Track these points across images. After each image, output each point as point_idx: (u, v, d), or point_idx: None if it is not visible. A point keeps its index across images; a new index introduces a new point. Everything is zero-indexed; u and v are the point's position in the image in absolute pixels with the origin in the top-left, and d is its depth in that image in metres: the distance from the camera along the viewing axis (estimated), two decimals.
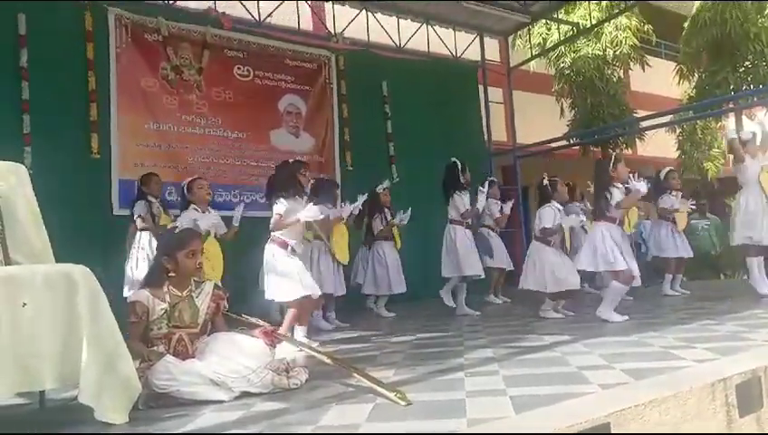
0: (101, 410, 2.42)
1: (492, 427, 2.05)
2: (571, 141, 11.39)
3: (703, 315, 4.73)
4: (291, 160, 4.90)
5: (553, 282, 5.39)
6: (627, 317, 4.82)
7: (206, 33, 7.75)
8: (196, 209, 5.33)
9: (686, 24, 11.72)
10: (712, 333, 3.79)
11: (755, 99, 10.37)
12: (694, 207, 7.15)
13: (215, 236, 5.41)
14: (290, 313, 4.44)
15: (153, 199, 5.91)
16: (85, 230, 6.18)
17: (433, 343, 4.33)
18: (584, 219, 6.41)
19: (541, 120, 12.04)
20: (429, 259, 6.87)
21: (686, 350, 3.23)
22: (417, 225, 7.17)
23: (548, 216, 5.52)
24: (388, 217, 6.62)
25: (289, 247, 4.54)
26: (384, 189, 6.68)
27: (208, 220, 5.26)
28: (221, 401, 2.69)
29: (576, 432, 1.99)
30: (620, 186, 5.11)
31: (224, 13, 7.98)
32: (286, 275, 4.47)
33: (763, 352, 3.07)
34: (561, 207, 5.68)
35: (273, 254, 4.54)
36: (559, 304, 5.55)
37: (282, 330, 4.40)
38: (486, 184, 6.80)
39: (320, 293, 4.68)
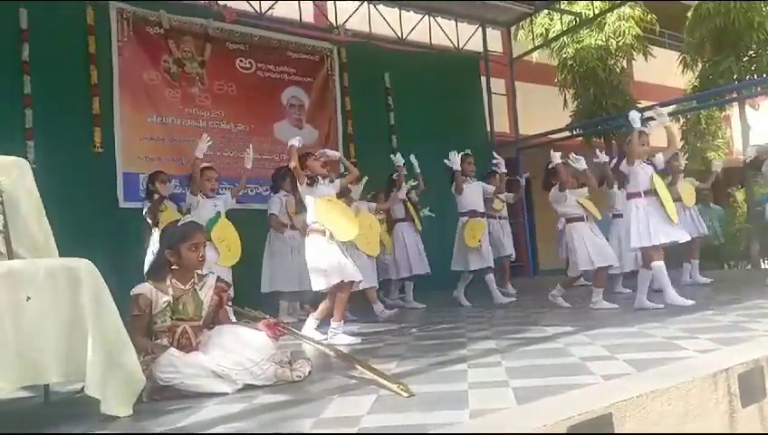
0: (106, 403, 2.44)
1: (494, 418, 2.06)
2: (574, 132, 11.36)
3: (705, 305, 4.73)
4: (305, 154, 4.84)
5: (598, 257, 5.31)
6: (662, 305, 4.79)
7: (208, 26, 7.75)
8: (201, 196, 5.36)
9: (689, 14, 11.66)
10: (714, 324, 3.79)
11: (759, 88, 10.34)
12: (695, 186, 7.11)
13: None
14: (337, 299, 4.38)
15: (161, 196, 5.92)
16: (90, 224, 6.22)
17: (436, 335, 4.33)
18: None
19: (543, 112, 12.00)
20: (430, 251, 6.87)
21: (689, 340, 3.23)
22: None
23: (560, 198, 5.52)
24: (402, 195, 6.61)
25: (327, 234, 4.46)
26: (398, 175, 6.66)
27: (213, 207, 5.31)
28: (224, 394, 2.70)
29: (578, 423, 2.00)
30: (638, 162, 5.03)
31: (225, 6, 7.98)
32: (327, 262, 4.40)
33: (765, 342, 3.07)
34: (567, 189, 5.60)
35: (312, 243, 4.50)
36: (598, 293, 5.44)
37: (334, 320, 4.40)
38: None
39: (360, 278, 4.58)
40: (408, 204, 6.74)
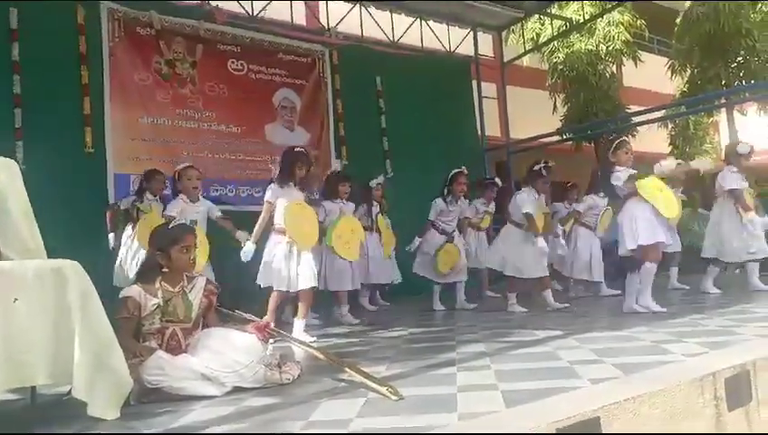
0: (94, 406, 2.42)
1: (482, 420, 2.07)
2: (564, 136, 11.42)
3: (693, 310, 4.76)
4: (295, 149, 4.85)
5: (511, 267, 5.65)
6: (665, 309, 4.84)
7: (200, 27, 7.73)
8: (183, 200, 5.26)
9: (678, 20, 11.76)
10: (702, 328, 3.82)
11: (747, 94, 10.44)
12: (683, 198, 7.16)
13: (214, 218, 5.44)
14: (271, 301, 4.55)
15: (151, 197, 5.88)
16: (81, 225, 6.17)
17: (426, 338, 4.34)
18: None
19: (534, 115, 12.07)
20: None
21: (676, 344, 3.26)
22: (411, 219, 7.17)
23: (527, 202, 5.63)
24: (374, 212, 6.63)
25: (288, 239, 4.56)
26: (378, 184, 6.69)
27: (192, 212, 5.22)
28: (213, 396, 2.70)
29: (566, 426, 2.01)
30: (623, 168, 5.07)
31: (217, 7, 7.96)
32: (277, 268, 4.54)
33: (751, 346, 3.10)
34: (536, 196, 5.73)
35: (273, 243, 4.64)
36: (548, 295, 5.62)
37: (297, 320, 4.52)
38: None
39: (303, 287, 4.61)
40: (380, 216, 6.72)
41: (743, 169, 6.12)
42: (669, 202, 4.93)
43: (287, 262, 4.54)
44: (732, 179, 6.05)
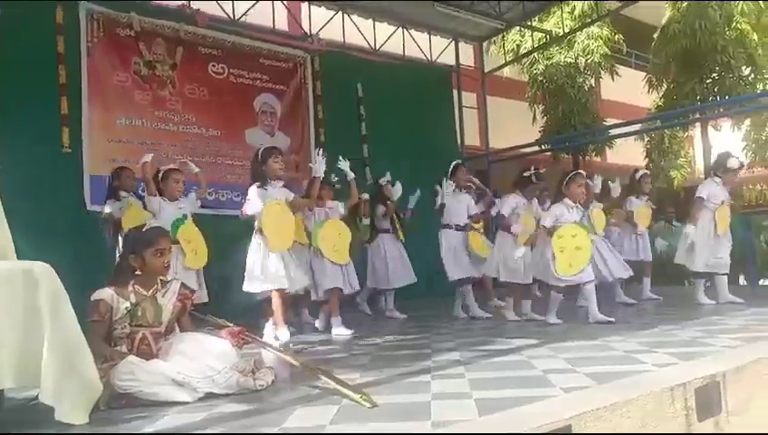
0: (62, 411, 2.38)
1: (455, 428, 2.07)
2: (543, 147, 11.52)
3: (666, 321, 4.81)
4: (264, 147, 4.84)
5: (505, 271, 5.56)
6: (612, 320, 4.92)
7: (180, 29, 7.69)
8: (163, 200, 5.19)
9: (655, 35, 11.95)
10: (674, 338, 3.86)
11: (721, 109, 10.63)
12: (653, 211, 7.25)
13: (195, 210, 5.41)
14: (273, 305, 4.51)
15: (125, 194, 5.80)
16: (56, 227, 6.09)
17: (401, 346, 4.34)
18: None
19: (513, 126, 12.17)
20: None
21: (649, 354, 3.29)
22: None
23: (509, 204, 5.64)
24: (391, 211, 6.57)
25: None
26: (387, 181, 6.63)
27: (175, 209, 5.18)
28: (185, 403, 2.66)
29: (538, 434, 2.02)
30: (569, 203, 5.21)
31: (198, 10, 7.92)
32: (262, 269, 4.52)
33: (722, 357, 3.14)
34: (525, 201, 5.72)
35: (254, 245, 4.63)
36: (526, 305, 5.60)
37: (268, 325, 4.49)
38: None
39: (296, 288, 4.68)
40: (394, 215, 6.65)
41: (728, 183, 6.13)
42: (575, 259, 5.03)
43: (283, 261, 4.53)
44: (705, 188, 6.10)
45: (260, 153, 4.79)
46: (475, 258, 6.36)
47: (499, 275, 5.72)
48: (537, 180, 5.70)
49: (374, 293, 6.91)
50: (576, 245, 5.05)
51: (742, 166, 6.20)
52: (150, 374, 2.68)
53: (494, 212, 5.97)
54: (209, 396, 2.74)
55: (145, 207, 5.50)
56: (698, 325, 4.42)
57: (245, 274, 4.67)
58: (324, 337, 5.10)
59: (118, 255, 5.49)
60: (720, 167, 6.21)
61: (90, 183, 6.78)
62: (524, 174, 5.75)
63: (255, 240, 4.68)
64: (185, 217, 5.17)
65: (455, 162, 6.29)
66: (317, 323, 5.60)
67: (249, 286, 4.64)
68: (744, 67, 11.13)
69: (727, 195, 6.10)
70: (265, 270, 4.55)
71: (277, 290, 4.56)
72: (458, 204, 6.16)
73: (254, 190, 4.67)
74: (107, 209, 5.72)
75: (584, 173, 5.53)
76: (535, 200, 5.84)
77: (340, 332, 5.08)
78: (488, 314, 5.93)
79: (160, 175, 5.30)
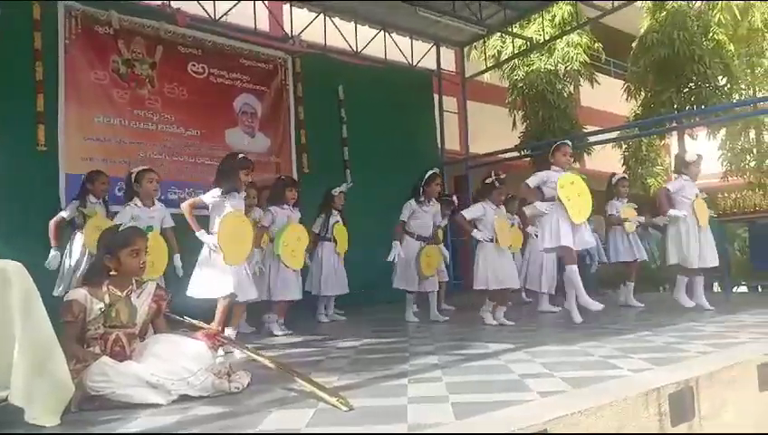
0: (32, 413, 2.34)
1: (431, 432, 2.07)
2: (522, 153, 11.59)
3: (642, 327, 4.87)
4: (239, 156, 4.69)
5: (494, 280, 5.54)
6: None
7: (160, 28, 7.62)
8: (136, 205, 5.09)
9: (634, 44, 12.10)
10: (649, 344, 3.90)
11: (697, 118, 10.78)
12: (636, 211, 7.32)
13: (160, 232, 5.21)
14: (218, 309, 4.33)
15: (95, 200, 5.70)
16: (30, 225, 5.98)
17: (379, 349, 4.33)
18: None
19: (493, 131, 12.23)
20: (383, 264, 6.84)
21: (624, 359, 3.32)
22: (372, 229, 7.18)
23: (474, 208, 5.69)
24: (332, 220, 6.53)
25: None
26: (339, 192, 6.63)
27: (146, 218, 5.03)
28: (158, 405, 2.63)
29: None
30: (557, 169, 5.35)
31: (178, 9, 7.86)
32: (210, 273, 4.36)
33: (696, 363, 3.17)
34: (494, 207, 5.77)
35: (207, 251, 4.43)
36: (500, 311, 5.61)
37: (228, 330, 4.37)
38: None
39: (250, 298, 4.56)
40: (338, 225, 6.61)
41: (694, 176, 6.21)
42: (582, 206, 5.19)
43: (226, 270, 4.33)
44: (671, 183, 6.20)
45: (236, 161, 4.61)
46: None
47: (488, 285, 5.60)
48: (500, 184, 5.76)
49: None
50: (577, 191, 5.20)
51: (700, 156, 6.29)
52: (124, 376, 2.64)
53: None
54: (184, 398, 2.70)
55: (108, 215, 5.43)
56: (674, 331, 4.47)
57: (192, 277, 4.48)
58: (300, 339, 5.08)
59: (68, 261, 5.42)
60: (681, 165, 6.35)
61: (65, 182, 6.68)
62: (486, 181, 5.81)
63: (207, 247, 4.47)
64: (150, 228, 4.99)
65: (430, 172, 6.24)
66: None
67: (193, 291, 4.41)
68: (720, 77, 11.30)
69: (698, 190, 6.18)
70: (213, 276, 4.34)
71: (224, 297, 4.35)
72: (425, 214, 6.20)
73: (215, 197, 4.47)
74: (63, 214, 5.60)
75: (570, 142, 5.60)
76: (502, 208, 5.93)
77: (278, 333, 5.29)
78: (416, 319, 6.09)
79: (133, 177, 5.19)
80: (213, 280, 4.33)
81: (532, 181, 5.29)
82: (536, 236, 5.74)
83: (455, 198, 7.30)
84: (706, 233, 6.11)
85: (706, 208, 6.22)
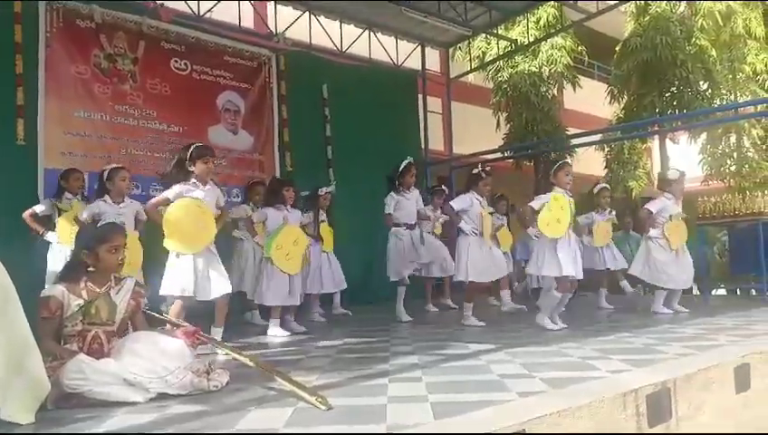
0: (7, 410, 2.31)
1: (410, 432, 2.06)
2: (506, 154, 11.64)
3: (620, 328, 4.90)
4: (195, 144, 4.47)
5: (474, 272, 5.56)
6: (564, 326, 4.99)
7: (143, 23, 7.55)
8: (104, 201, 5.07)
9: (618, 48, 12.19)
10: (627, 346, 3.93)
11: (679, 123, 10.90)
12: (613, 227, 7.39)
13: (135, 226, 5.18)
14: (173, 307, 4.19)
15: (70, 197, 5.65)
16: (8, 221, 5.89)
17: (360, 349, 4.32)
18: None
19: (477, 132, 12.27)
20: (368, 263, 6.83)
21: (603, 361, 3.34)
22: (355, 228, 7.16)
23: (462, 198, 5.71)
24: (319, 219, 6.52)
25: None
26: (326, 192, 6.61)
27: (114, 214, 4.99)
28: (136, 403, 2.60)
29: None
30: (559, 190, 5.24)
31: (162, 4, 7.78)
32: (175, 273, 4.23)
33: (673, 364, 3.21)
34: (480, 199, 5.78)
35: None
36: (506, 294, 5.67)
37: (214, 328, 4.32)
38: None
39: (209, 297, 4.32)
40: (324, 224, 6.60)
41: (678, 194, 6.20)
42: (560, 222, 5.12)
43: (193, 265, 4.20)
44: (654, 203, 6.18)
45: (199, 149, 4.44)
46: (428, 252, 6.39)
47: (467, 276, 5.64)
48: (486, 175, 5.80)
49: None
50: (561, 211, 5.13)
51: (683, 174, 6.30)
52: (101, 373, 2.61)
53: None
54: (162, 397, 2.68)
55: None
56: (652, 333, 4.52)
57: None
58: (283, 339, 5.06)
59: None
60: (664, 184, 6.34)
61: (44, 176, 6.59)
62: (473, 172, 5.87)
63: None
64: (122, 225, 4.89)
65: (405, 162, 6.24)
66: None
67: (163, 288, 4.25)
68: (702, 82, 11.42)
69: (679, 210, 6.17)
70: (170, 274, 4.21)
71: (179, 298, 4.21)
72: (408, 202, 6.22)
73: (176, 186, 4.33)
74: (36, 208, 5.56)
75: (570, 162, 5.61)
76: (485, 198, 5.91)
77: (276, 332, 5.17)
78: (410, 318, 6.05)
79: (105, 175, 5.17)
80: (168, 277, 4.20)
81: (536, 204, 5.23)
82: (536, 237, 5.74)
83: (444, 187, 7.28)
84: (682, 255, 6.08)
85: (684, 230, 6.17)
